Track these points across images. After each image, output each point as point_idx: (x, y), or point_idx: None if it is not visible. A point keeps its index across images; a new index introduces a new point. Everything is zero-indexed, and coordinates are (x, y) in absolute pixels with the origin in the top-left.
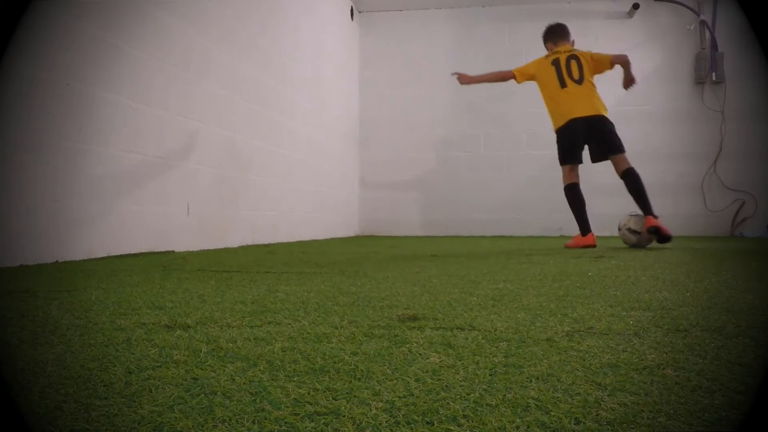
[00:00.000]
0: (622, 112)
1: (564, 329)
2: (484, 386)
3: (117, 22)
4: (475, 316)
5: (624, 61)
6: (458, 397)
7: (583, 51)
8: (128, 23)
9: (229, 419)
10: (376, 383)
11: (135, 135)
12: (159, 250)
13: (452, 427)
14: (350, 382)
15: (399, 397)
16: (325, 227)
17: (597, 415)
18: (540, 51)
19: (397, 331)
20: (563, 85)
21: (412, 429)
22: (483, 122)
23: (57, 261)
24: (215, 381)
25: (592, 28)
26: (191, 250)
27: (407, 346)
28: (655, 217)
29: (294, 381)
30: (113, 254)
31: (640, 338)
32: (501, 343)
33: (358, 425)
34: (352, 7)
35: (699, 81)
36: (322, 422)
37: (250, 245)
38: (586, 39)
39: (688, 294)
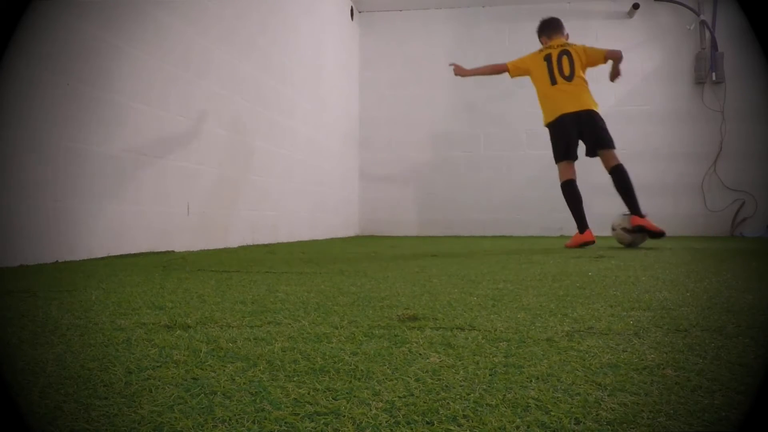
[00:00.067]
0: (622, 112)
1: (564, 329)
2: (484, 386)
3: (117, 22)
4: (475, 316)
5: (618, 57)
6: (458, 397)
7: (577, 45)
8: (128, 23)
9: (229, 419)
10: (376, 383)
11: (135, 135)
12: (159, 250)
13: (452, 427)
14: (350, 382)
15: (399, 397)
16: (325, 227)
17: (597, 415)
18: None
19: (397, 331)
20: (553, 81)
21: (412, 429)
22: (483, 122)
23: (57, 261)
24: (215, 381)
25: (592, 28)
26: (191, 250)
27: (407, 346)
28: (642, 216)
29: (294, 381)
30: (113, 254)
31: (640, 338)
32: (501, 343)
33: (358, 425)
34: (352, 7)
35: (699, 81)
36: (322, 422)
37: (250, 245)
38: (586, 39)
39: (688, 294)
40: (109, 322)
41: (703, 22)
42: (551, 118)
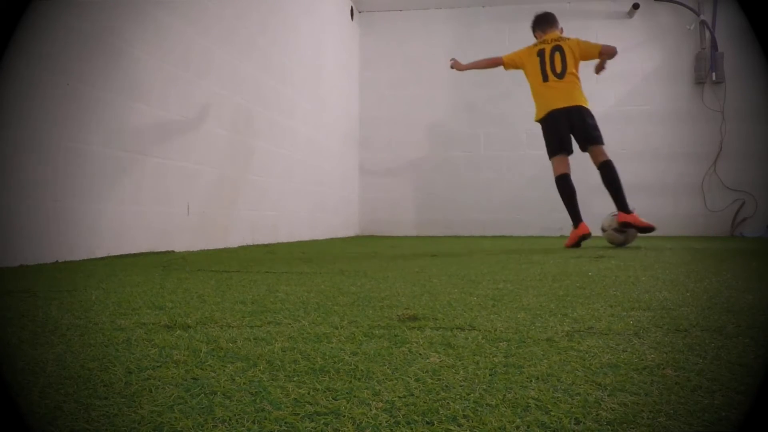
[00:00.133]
0: (622, 112)
1: (564, 329)
2: (484, 386)
3: (117, 22)
4: (475, 316)
5: (612, 54)
6: (458, 397)
7: (571, 39)
8: (128, 23)
9: (229, 419)
10: (376, 383)
11: (135, 135)
12: (159, 250)
13: (452, 427)
14: (350, 382)
15: (399, 397)
16: (325, 227)
17: (597, 415)
18: None
19: (397, 331)
20: (545, 78)
21: (412, 429)
22: (483, 122)
23: (57, 261)
24: (215, 381)
25: (592, 28)
26: (191, 250)
27: (407, 346)
28: (629, 212)
29: (294, 381)
30: (113, 254)
31: (640, 338)
32: (501, 343)
33: (358, 425)
34: (352, 7)
35: (699, 81)
36: (322, 422)
37: (250, 245)
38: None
39: (688, 294)
40: (109, 322)
41: (703, 22)
42: (542, 114)
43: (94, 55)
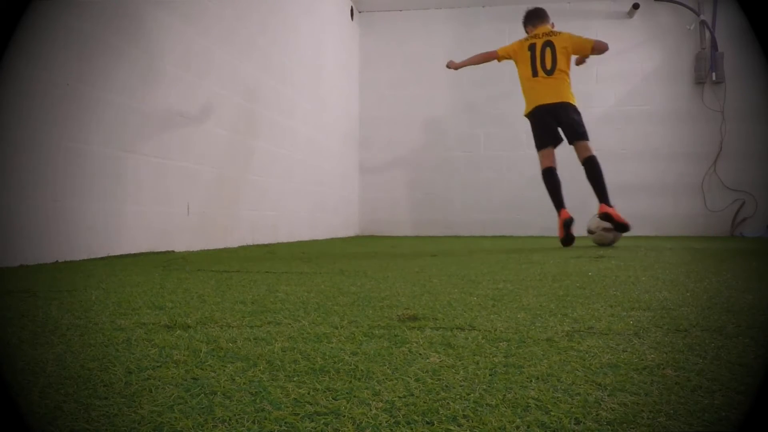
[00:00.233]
0: (622, 112)
1: (564, 329)
2: (484, 386)
3: (117, 22)
4: (475, 316)
5: (602, 50)
6: (458, 397)
7: (562, 34)
8: (128, 23)
9: (229, 419)
10: (376, 383)
11: (135, 135)
12: (159, 250)
13: (452, 427)
14: (350, 382)
15: (399, 397)
16: (325, 227)
17: (597, 415)
18: None
19: (397, 331)
20: (534, 73)
21: (412, 429)
22: (483, 122)
23: (57, 261)
24: (215, 381)
25: (592, 28)
26: (191, 250)
27: (407, 346)
28: (610, 205)
29: (294, 381)
30: (113, 254)
31: (640, 338)
32: (501, 343)
33: (358, 425)
34: (352, 7)
35: (699, 81)
36: (322, 422)
37: (250, 245)
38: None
39: (688, 294)
40: (109, 322)
41: (703, 22)
42: (529, 109)
43: (94, 55)
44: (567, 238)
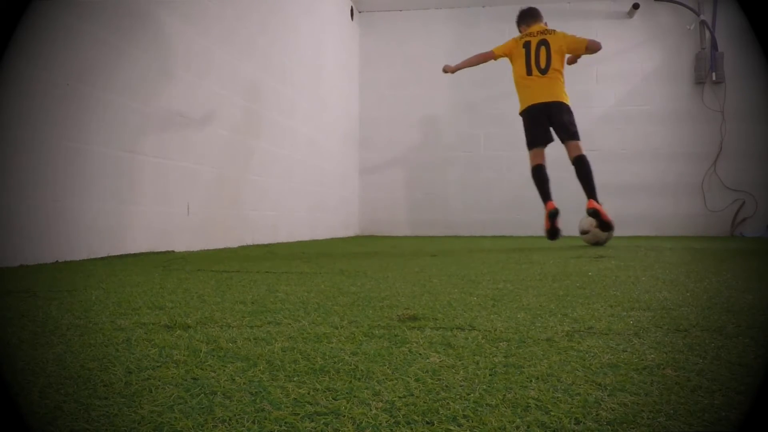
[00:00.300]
0: (622, 112)
1: (564, 329)
2: (484, 386)
3: (117, 22)
4: (475, 316)
5: (596, 49)
6: (458, 397)
7: (557, 33)
8: (128, 23)
9: (229, 419)
10: (376, 383)
11: (135, 135)
12: (159, 250)
13: (452, 427)
14: (350, 382)
15: (399, 397)
16: (325, 227)
17: (597, 415)
18: None
19: (397, 331)
20: (529, 72)
21: (412, 429)
22: (483, 122)
23: (57, 261)
24: (215, 381)
25: (592, 28)
26: (191, 250)
27: (407, 346)
28: (598, 202)
29: (294, 381)
30: (113, 254)
31: (640, 338)
32: (501, 343)
33: (358, 425)
34: (352, 7)
35: (699, 81)
36: (322, 422)
37: (250, 245)
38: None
39: (688, 294)
40: (109, 322)
41: (703, 22)
42: (523, 107)
43: (94, 55)
44: (552, 230)
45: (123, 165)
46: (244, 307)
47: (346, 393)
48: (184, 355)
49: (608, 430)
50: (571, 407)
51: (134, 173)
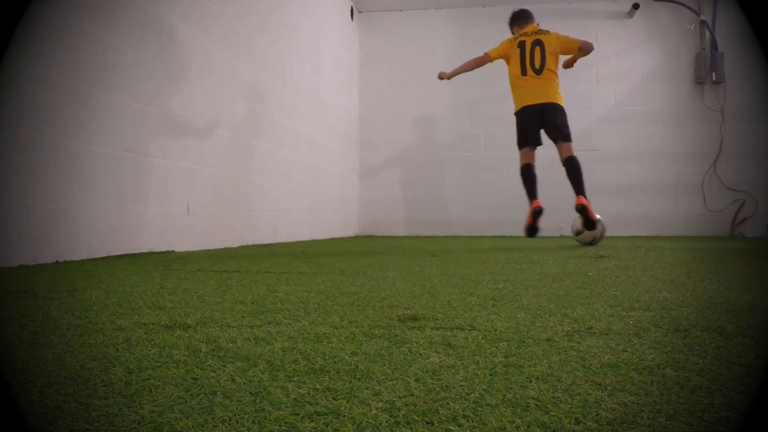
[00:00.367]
0: (622, 112)
1: (564, 329)
2: (484, 386)
3: (117, 22)
4: (475, 316)
5: (588, 50)
6: (458, 397)
7: (550, 34)
8: (128, 23)
9: (229, 419)
10: (376, 383)
11: (135, 135)
12: (159, 250)
13: (452, 427)
14: (350, 382)
15: (399, 397)
16: (325, 227)
17: (597, 415)
18: None
19: (397, 331)
20: (524, 72)
21: (412, 429)
22: (483, 122)
23: (57, 261)
24: (215, 381)
25: (592, 28)
26: (191, 250)
27: (407, 346)
28: (587, 200)
29: (294, 381)
30: (113, 254)
31: (640, 338)
32: (501, 343)
33: (358, 425)
34: (352, 7)
35: (699, 81)
36: (322, 422)
37: (250, 245)
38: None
39: (688, 294)
40: (109, 322)
41: (703, 22)
42: (517, 108)
43: (94, 55)
44: (532, 228)
45: (123, 165)
46: (244, 307)
47: (346, 393)
48: (184, 355)
49: (608, 430)
50: (571, 407)
51: (134, 173)
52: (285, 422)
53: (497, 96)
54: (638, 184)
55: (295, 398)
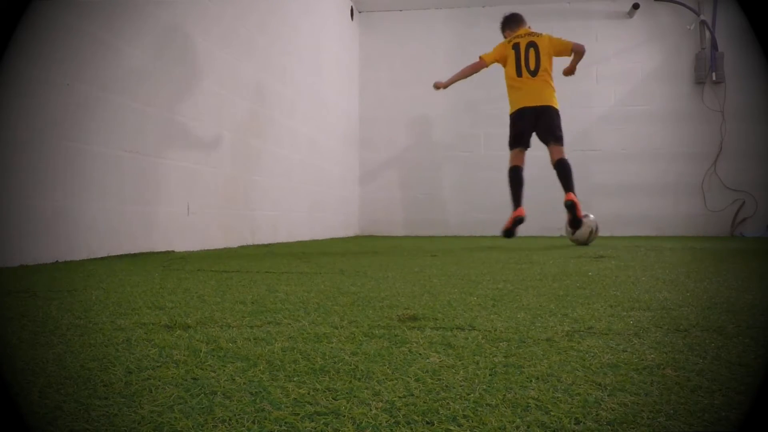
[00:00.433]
0: (622, 112)
1: (564, 329)
2: (484, 386)
3: (117, 22)
4: (475, 316)
5: (581, 52)
6: (458, 397)
7: (543, 36)
8: (128, 23)
9: (229, 419)
10: (376, 383)
11: (135, 135)
12: (159, 250)
13: (452, 427)
14: (350, 382)
15: (399, 397)
16: (324, 227)
17: (597, 415)
18: None
19: (397, 331)
20: (519, 74)
21: (412, 429)
22: (483, 122)
23: (57, 261)
24: (215, 381)
25: (592, 28)
26: (191, 250)
27: (407, 346)
28: (576, 197)
29: (294, 381)
30: (113, 254)
31: (640, 338)
32: (501, 343)
33: (358, 425)
34: (352, 7)
35: (699, 81)
36: (322, 422)
37: (250, 245)
38: (586, 39)
39: (688, 294)
40: (109, 322)
41: (703, 22)
42: (513, 109)
43: (94, 55)
44: (509, 231)
45: (123, 165)
46: (244, 307)
47: (346, 393)
48: (184, 355)
49: (608, 430)
50: (571, 407)
51: (134, 173)
52: (285, 422)
53: (497, 96)
54: (638, 184)
55: (295, 398)
